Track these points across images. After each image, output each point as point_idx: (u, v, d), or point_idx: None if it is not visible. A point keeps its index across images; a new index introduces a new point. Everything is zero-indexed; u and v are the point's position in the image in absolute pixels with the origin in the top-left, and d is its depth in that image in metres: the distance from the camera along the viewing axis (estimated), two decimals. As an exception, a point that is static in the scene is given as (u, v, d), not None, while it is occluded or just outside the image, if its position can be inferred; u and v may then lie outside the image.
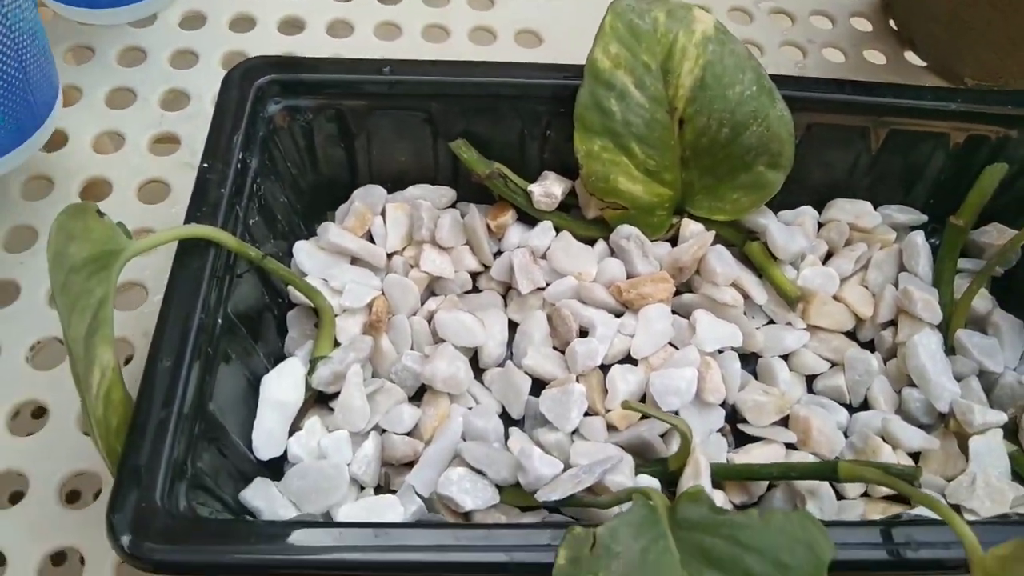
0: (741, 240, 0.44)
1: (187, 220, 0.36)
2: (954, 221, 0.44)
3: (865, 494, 0.38)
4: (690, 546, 0.28)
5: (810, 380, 0.42)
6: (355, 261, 0.42)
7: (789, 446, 0.39)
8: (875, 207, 0.46)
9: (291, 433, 0.37)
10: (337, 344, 0.39)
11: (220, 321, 0.35)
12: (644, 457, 0.37)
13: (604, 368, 0.40)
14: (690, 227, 0.43)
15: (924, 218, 0.46)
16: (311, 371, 0.38)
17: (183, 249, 0.35)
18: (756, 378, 0.41)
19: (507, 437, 0.37)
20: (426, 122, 0.43)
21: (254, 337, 0.38)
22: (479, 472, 0.36)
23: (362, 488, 0.36)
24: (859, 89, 0.43)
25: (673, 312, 0.42)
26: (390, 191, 0.44)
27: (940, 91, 0.44)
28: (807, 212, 0.46)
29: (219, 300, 0.35)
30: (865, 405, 0.41)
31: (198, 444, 0.32)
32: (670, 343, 0.41)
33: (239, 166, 0.38)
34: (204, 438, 0.33)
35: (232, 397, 0.35)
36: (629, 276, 0.42)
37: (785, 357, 0.42)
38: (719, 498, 0.36)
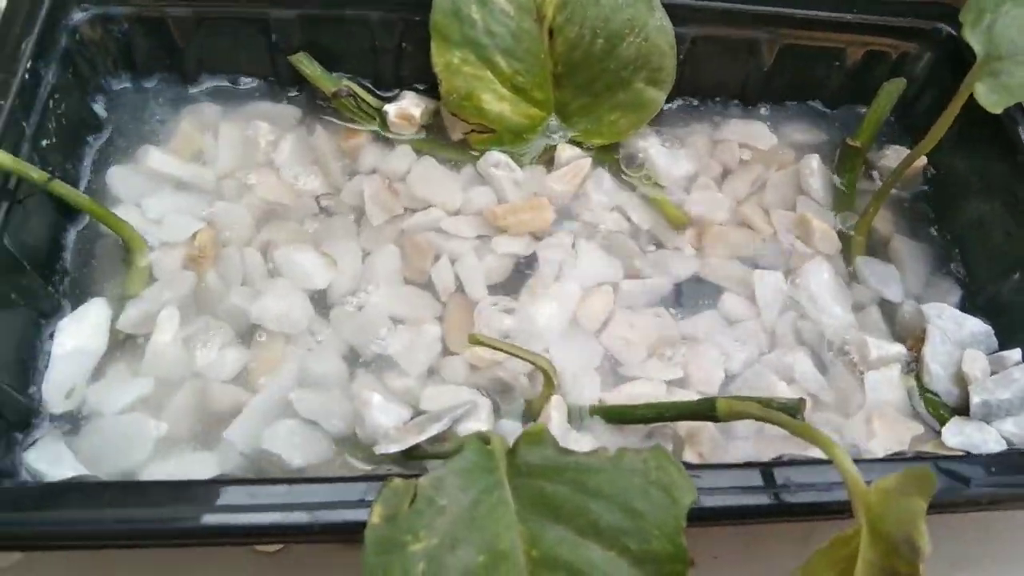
0: (620, 165, 0.40)
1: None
2: (851, 143, 0.40)
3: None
4: (530, 495, 0.24)
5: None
6: (181, 187, 0.37)
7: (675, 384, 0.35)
8: (774, 127, 0.42)
9: (92, 383, 0.31)
10: (155, 281, 0.34)
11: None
12: (508, 400, 0.33)
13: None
14: (566, 152, 0.39)
15: (824, 138, 0.43)
16: (120, 312, 0.32)
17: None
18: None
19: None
20: (262, 33, 0.37)
21: (45, 274, 0.32)
22: (313, 424, 0.31)
23: (176, 445, 0.31)
24: (747, -1, 0.39)
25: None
26: (227, 110, 0.39)
27: (835, 1, 0.40)
28: (698, 132, 0.42)
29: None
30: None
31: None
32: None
33: (27, 76, 0.32)
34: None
35: (8, 344, 0.30)
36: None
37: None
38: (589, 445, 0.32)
